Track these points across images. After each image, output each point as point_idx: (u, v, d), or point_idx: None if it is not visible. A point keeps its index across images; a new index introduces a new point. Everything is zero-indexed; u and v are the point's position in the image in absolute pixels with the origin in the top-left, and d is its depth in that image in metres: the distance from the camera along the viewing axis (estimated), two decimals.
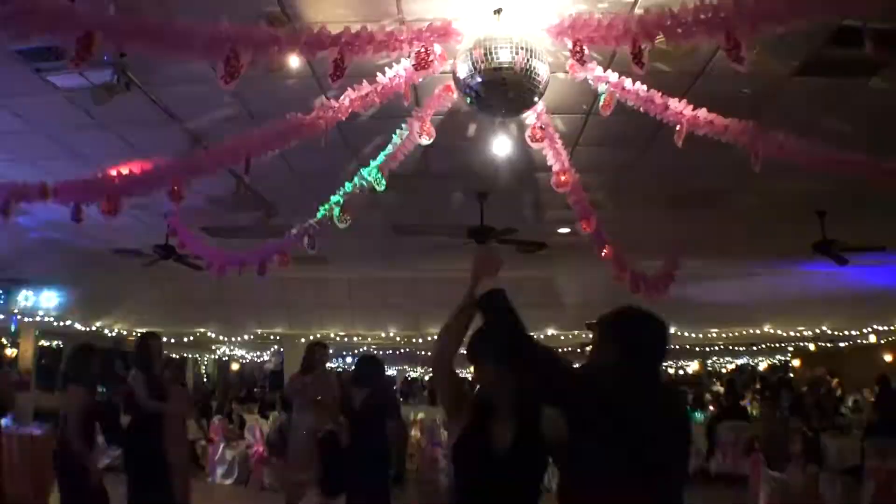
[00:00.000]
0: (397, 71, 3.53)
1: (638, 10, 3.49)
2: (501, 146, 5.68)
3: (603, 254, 5.27)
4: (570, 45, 3.10)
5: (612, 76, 3.65)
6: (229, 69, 2.29)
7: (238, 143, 3.38)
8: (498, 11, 3.56)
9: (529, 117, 4.15)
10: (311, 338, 12.10)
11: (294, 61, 3.86)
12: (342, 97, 3.55)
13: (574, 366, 2.21)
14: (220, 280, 6.37)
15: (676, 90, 3.92)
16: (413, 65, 3.12)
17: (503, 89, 3.34)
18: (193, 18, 2.49)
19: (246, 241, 7.45)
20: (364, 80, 3.57)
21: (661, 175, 6.61)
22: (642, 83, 3.67)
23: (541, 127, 4.13)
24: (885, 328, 11.96)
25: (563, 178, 4.44)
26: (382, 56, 3.89)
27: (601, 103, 3.74)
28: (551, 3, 3.57)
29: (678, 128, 3.68)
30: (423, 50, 3.08)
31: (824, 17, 2.29)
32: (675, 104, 3.65)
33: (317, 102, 3.53)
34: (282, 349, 13.79)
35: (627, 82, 3.64)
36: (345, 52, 2.66)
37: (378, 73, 3.56)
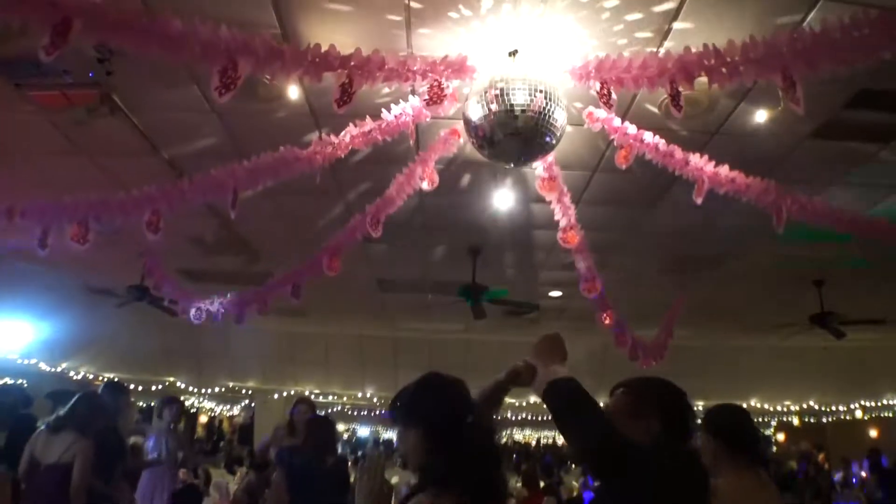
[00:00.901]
0: (405, 107, 3.28)
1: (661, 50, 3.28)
2: (498, 200, 5.44)
3: (605, 320, 4.93)
4: (596, 87, 2.84)
5: (631, 128, 3.42)
6: (225, 80, 1.99)
7: (226, 174, 3.06)
8: (514, 53, 3.35)
9: (538, 168, 3.91)
10: (285, 394, 11.53)
11: (293, 92, 3.64)
12: (343, 133, 3.27)
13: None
14: (193, 328, 5.97)
15: (689, 149, 3.75)
16: (425, 100, 2.84)
17: (518, 134, 3.09)
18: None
19: (224, 287, 7.04)
20: (367, 118, 3.33)
21: (661, 239, 6.40)
22: (660, 137, 3.47)
23: (550, 178, 3.88)
24: (873, 404, 11.71)
25: (570, 235, 4.15)
26: (383, 93, 3.75)
27: (617, 156, 3.50)
28: (570, 45, 3.37)
29: (698, 184, 3.44)
30: (436, 83, 2.81)
31: (887, 53, 2.04)
32: (695, 160, 3.42)
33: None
34: (253, 404, 13.13)
35: (647, 135, 3.41)
36: (353, 75, 2.38)
37: (383, 110, 3.30)
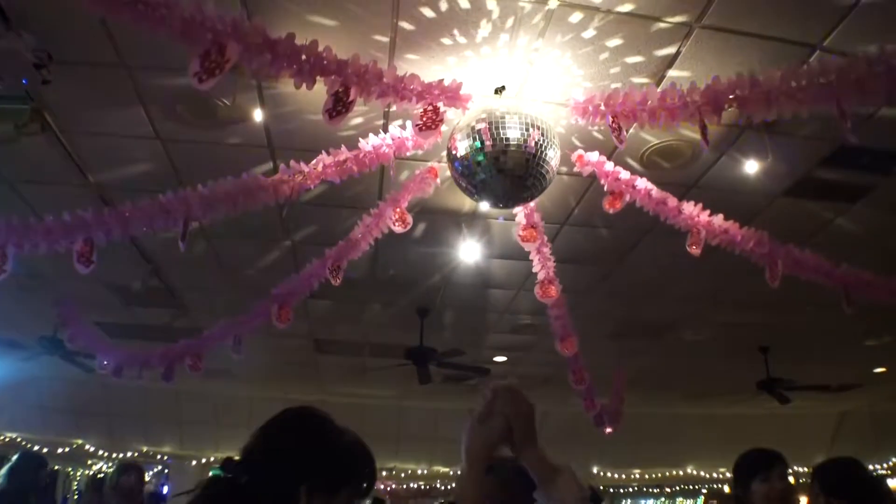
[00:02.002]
0: (385, 137, 2.91)
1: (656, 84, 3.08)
2: (457, 253, 5.10)
3: (578, 383, 4.58)
4: (608, 121, 2.57)
5: (624, 173, 3.18)
6: (207, 64, 1.58)
7: (177, 200, 2.58)
8: (500, 90, 3.08)
9: (518, 214, 3.60)
10: (203, 460, 10.50)
11: (257, 115, 3.22)
12: (314, 161, 2.86)
13: None
14: (106, 385, 5.25)
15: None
16: (417, 125, 2.48)
17: (508, 172, 2.78)
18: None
19: (146, 345, 6.29)
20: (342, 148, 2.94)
21: (615, 302, 6.19)
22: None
23: (532, 226, 3.57)
24: (804, 469, 11.70)
25: (549, 288, 3.83)
26: (350, 124, 3.40)
27: (606, 201, 3.24)
28: (562, 84, 3.13)
29: (693, 234, 3.21)
30: (431, 108, 2.47)
31: None
32: (689, 208, 3.20)
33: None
34: (167, 470, 11.90)
35: (640, 181, 3.17)
36: (350, 83, 2.00)
37: (360, 140, 2.93)
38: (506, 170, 2.79)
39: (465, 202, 4.31)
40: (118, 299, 5.85)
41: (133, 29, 2.63)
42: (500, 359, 8.07)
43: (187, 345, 4.29)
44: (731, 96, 2.18)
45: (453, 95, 2.63)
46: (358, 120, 3.39)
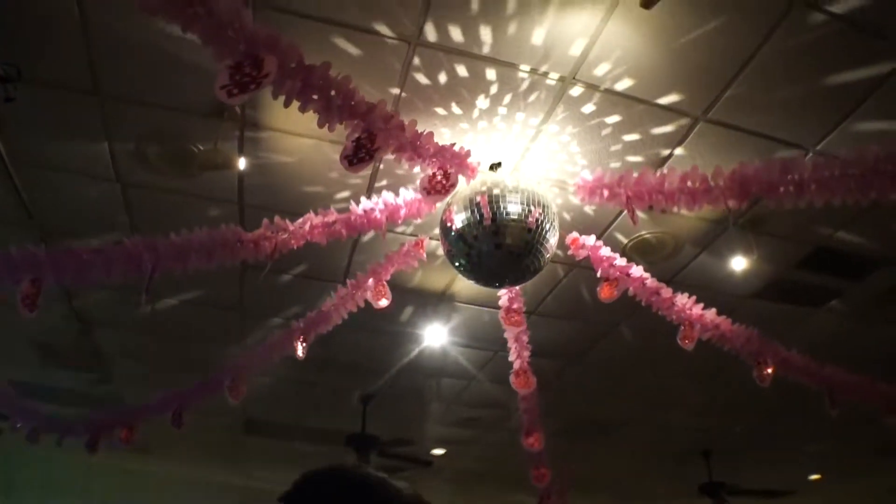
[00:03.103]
0: (378, 201, 2.67)
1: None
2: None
3: (540, 479, 4.25)
4: (622, 201, 2.42)
5: (620, 259, 3.03)
6: (239, 78, 1.31)
7: (144, 245, 2.23)
8: (496, 166, 2.92)
9: (502, 298, 3.37)
10: None
11: (241, 163, 2.92)
12: (301, 220, 2.58)
13: None
14: (9, 458, 4.51)
15: None
16: (426, 188, 2.26)
17: (505, 249, 2.58)
18: None
19: (60, 409, 5.55)
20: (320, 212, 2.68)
21: (564, 399, 5.94)
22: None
23: (516, 310, 3.34)
24: None
25: (521, 380, 3.57)
26: (336, 198, 3.17)
27: (601, 289, 3.06)
28: (558, 162, 3.01)
29: (685, 328, 3.05)
30: (443, 171, 2.25)
31: None
32: (682, 300, 3.06)
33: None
34: None
35: (635, 269, 3.02)
36: (376, 130, 1.77)
37: (352, 202, 2.68)
38: (504, 246, 2.60)
39: (441, 282, 4.07)
40: (36, 355, 5.16)
41: (115, 57, 2.41)
42: (438, 451, 7.59)
43: (122, 413, 3.74)
44: (759, 182, 2.07)
45: (461, 163, 2.44)
46: (344, 194, 3.17)
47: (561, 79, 2.57)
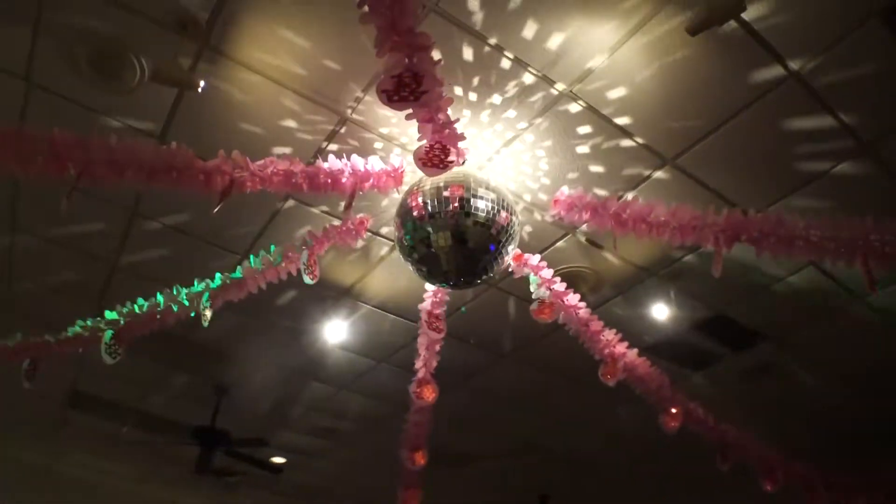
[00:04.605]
0: (351, 163, 2.36)
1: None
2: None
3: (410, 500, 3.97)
4: (610, 226, 2.32)
5: (559, 284, 2.92)
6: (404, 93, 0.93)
7: (74, 143, 1.76)
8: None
9: (427, 301, 3.13)
10: None
11: (202, 85, 2.48)
12: (262, 162, 2.20)
13: None
14: None
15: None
16: (421, 159, 2.00)
17: (467, 244, 2.39)
18: None
19: None
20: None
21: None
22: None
23: (438, 318, 3.11)
24: None
25: (425, 390, 3.32)
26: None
27: (535, 309, 2.93)
28: (524, 169, 2.88)
29: (608, 363, 2.99)
30: (439, 146, 2.01)
31: None
32: (609, 335, 3.01)
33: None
34: None
35: (572, 296, 2.92)
36: (422, 71, 1.51)
37: (330, 157, 2.35)
38: (466, 242, 2.40)
39: (349, 277, 3.74)
40: None
41: None
42: (279, 459, 6.97)
43: None
44: (755, 230, 2.05)
45: (454, 143, 2.21)
46: (285, 149, 2.79)
47: (557, 88, 2.46)
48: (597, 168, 2.83)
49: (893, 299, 3.47)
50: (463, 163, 2.32)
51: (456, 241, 2.40)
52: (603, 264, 3.43)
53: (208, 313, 2.68)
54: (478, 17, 2.21)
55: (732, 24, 2.15)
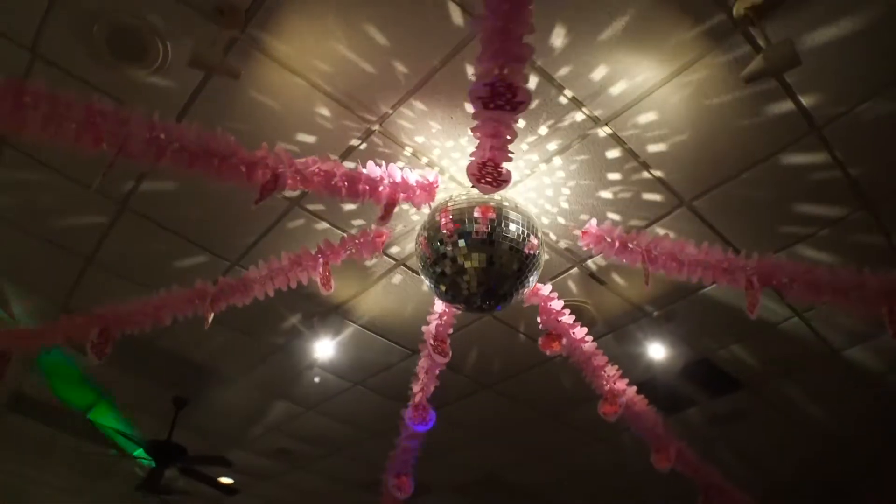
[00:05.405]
0: (401, 173, 2.27)
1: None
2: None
3: None
4: (640, 261, 2.29)
5: (568, 317, 2.86)
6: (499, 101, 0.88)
7: (112, 115, 1.62)
8: None
9: (432, 324, 3.01)
10: None
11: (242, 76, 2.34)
12: (305, 160, 2.08)
13: None
14: None
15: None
16: (475, 175, 1.93)
17: (497, 269, 2.33)
18: None
19: None
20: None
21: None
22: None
23: (443, 341, 3.00)
24: None
25: (418, 414, 3.18)
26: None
27: (544, 340, 2.87)
28: (543, 199, 2.85)
29: (608, 398, 2.93)
30: (492, 164, 1.95)
31: None
32: (611, 371, 2.96)
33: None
34: None
35: (578, 330, 2.87)
36: (516, 81, 1.45)
37: (370, 162, 2.24)
38: (495, 264, 2.32)
39: (342, 294, 3.58)
40: None
41: None
42: (226, 480, 6.57)
43: None
44: (785, 275, 2.06)
45: (499, 162, 2.15)
46: (305, 140, 2.66)
47: (594, 118, 2.44)
48: (611, 197, 2.81)
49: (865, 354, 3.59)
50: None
51: (487, 263, 2.33)
52: (603, 300, 3.41)
53: (210, 315, 2.50)
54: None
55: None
